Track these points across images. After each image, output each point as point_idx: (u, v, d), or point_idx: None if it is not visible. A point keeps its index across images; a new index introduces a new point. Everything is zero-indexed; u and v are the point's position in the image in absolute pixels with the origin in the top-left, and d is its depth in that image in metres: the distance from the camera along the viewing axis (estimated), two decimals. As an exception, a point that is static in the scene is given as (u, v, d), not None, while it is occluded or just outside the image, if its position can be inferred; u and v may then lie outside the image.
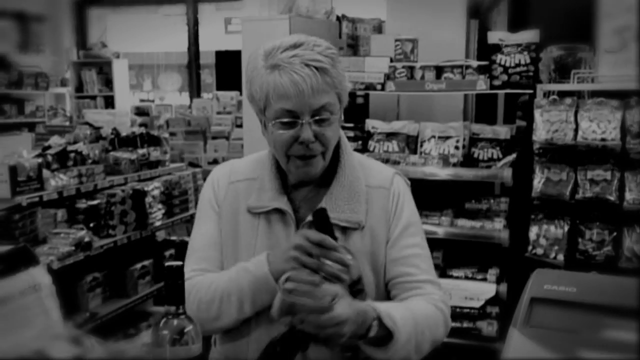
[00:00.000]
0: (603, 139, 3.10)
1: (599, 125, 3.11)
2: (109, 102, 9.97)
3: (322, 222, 1.56)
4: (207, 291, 1.63)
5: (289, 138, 1.61)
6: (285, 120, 1.60)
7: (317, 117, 1.59)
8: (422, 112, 3.79)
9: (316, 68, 1.56)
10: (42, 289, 1.72)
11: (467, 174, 3.21)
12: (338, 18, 4.45)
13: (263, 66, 1.60)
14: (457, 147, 3.35)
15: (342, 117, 1.73)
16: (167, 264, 1.43)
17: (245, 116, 4.29)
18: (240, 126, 6.44)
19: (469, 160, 3.37)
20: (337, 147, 1.74)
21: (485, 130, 3.39)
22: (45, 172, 3.75)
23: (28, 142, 4.83)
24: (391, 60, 3.60)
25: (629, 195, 3.10)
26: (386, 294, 1.72)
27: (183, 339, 1.33)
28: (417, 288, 1.67)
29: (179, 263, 1.44)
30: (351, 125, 3.64)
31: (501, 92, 3.50)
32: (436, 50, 3.70)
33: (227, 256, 1.74)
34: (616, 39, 3.15)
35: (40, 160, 3.75)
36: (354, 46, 4.60)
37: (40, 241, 3.68)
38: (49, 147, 4.10)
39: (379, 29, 4.67)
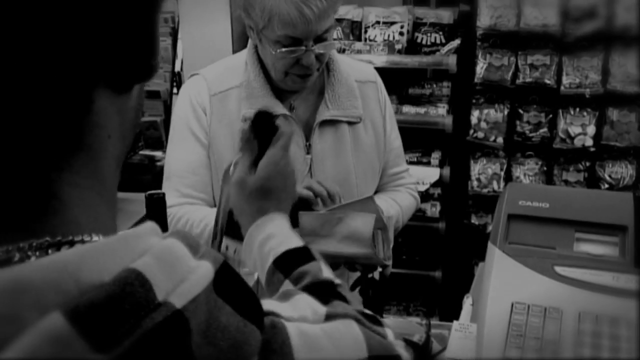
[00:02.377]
0: (544, 25, 3.13)
1: (541, 11, 3.13)
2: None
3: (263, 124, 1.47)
4: (199, 224, 1.60)
5: (291, 60, 1.58)
6: (289, 47, 1.55)
7: (320, 43, 1.57)
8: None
9: None
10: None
11: (413, 61, 3.19)
12: None
13: None
14: (401, 33, 3.31)
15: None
16: (148, 193, 1.41)
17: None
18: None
19: (412, 46, 3.34)
20: None
21: (428, 15, 3.35)
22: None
23: None
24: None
25: (565, 80, 3.20)
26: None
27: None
28: (401, 179, 1.90)
29: (161, 192, 1.42)
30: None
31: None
32: None
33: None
34: None
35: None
36: None
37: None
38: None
39: None
